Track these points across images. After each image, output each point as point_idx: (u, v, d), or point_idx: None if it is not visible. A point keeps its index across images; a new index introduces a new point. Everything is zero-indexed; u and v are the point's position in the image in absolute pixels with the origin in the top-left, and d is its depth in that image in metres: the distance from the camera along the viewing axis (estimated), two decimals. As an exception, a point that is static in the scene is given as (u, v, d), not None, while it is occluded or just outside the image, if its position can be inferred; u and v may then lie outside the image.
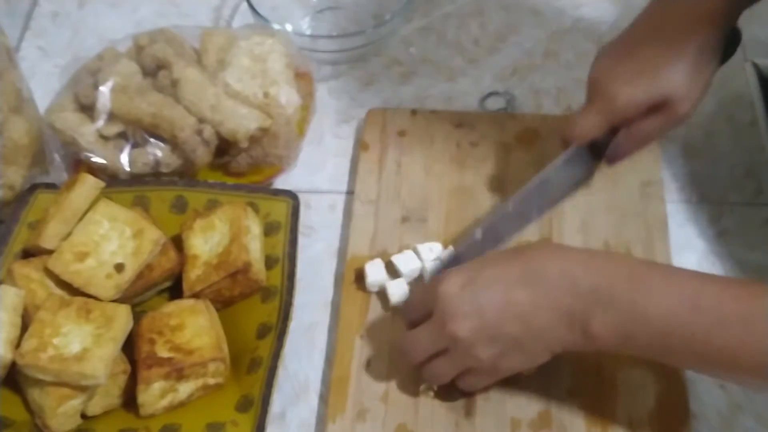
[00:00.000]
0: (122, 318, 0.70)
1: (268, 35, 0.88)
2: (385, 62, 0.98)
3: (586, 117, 0.76)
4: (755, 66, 0.85)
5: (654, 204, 0.83)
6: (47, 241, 0.75)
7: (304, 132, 0.87)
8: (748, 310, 0.60)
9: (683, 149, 0.89)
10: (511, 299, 0.64)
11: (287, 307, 0.74)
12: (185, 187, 0.82)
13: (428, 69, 0.97)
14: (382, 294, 0.78)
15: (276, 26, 0.92)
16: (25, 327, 0.70)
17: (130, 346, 0.71)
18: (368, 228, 0.83)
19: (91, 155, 0.82)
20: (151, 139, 0.82)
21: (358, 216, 0.83)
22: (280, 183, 0.86)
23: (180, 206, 0.81)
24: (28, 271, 0.74)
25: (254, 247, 0.76)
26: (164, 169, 0.83)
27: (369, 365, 0.74)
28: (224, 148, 0.84)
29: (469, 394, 0.72)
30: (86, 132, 0.82)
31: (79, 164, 0.83)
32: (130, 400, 0.71)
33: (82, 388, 0.68)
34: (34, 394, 0.69)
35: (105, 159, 0.82)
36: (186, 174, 0.84)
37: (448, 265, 0.75)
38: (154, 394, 0.69)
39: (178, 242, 0.78)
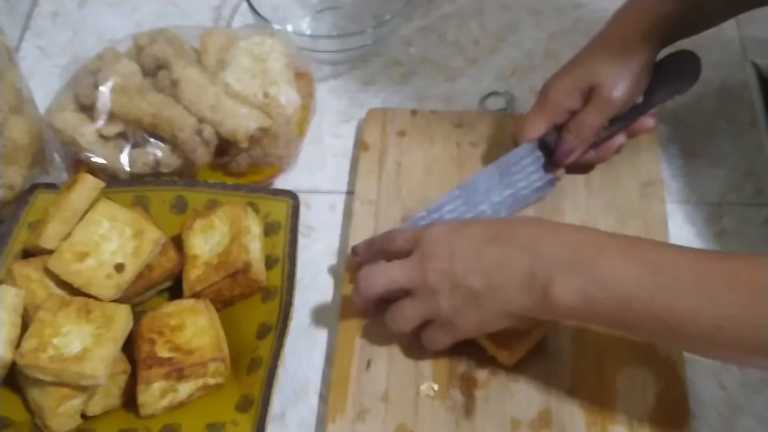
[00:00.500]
0: (122, 318, 0.70)
1: (268, 35, 0.88)
2: (385, 62, 0.98)
3: (528, 116, 0.82)
4: (755, 66, 0.85)
5: (654, 204, 0.83)
6: (47, 241, 0.75)
7: (304, 132, 0.87)
8: (706, 273, 0.62)
9: (683, 149, 0.89)
10: (479, 253, 0.67)
11: (287, 307, 0.74)
12: (185, 187, 0.82)
13: (428, 69, 0.97)
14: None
15: (276, 26, 0.93)
16: (25, 327, 0.70)
17: (130, 346, 0.71)
18: (368, 228, 0.83)
19: (91, 155, 0.82)
20: (151, 139, 0.82)
21: (358, 216, 0.83)
22: (280, 183, 0.86)
23: (180, 206, 0.81)
24: (28, 271, 0.74)
25: (254, 247, 0.76)
26: (164, 169, 0.83)
27: (369, 365, 0.74)
28: (224, 148, 0.84)
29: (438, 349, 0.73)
30: (86, 132, 0.82)
31: (79, 164, 0.83)
32: (130, 400, 0.71)
33: (82, 388, 0.68)
34: (34, 394, 0.69)
35: (105, 159, 0.82)
36: (186, 174, 0.84)
37: None
38: (154, 394, 0.69)
39: (178, 242, 0.78)
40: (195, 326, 0.72)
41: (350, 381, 0.73)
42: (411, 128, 0.89)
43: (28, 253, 0.77)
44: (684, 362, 0.73)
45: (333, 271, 0.82)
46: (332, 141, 0.91)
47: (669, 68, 0.82)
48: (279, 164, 0.86)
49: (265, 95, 0.84)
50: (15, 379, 0.70)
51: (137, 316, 0.73)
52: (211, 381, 0.71)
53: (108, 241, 0.74)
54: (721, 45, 0.95)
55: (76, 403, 0.69)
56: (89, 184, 0.77)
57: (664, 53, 0.81)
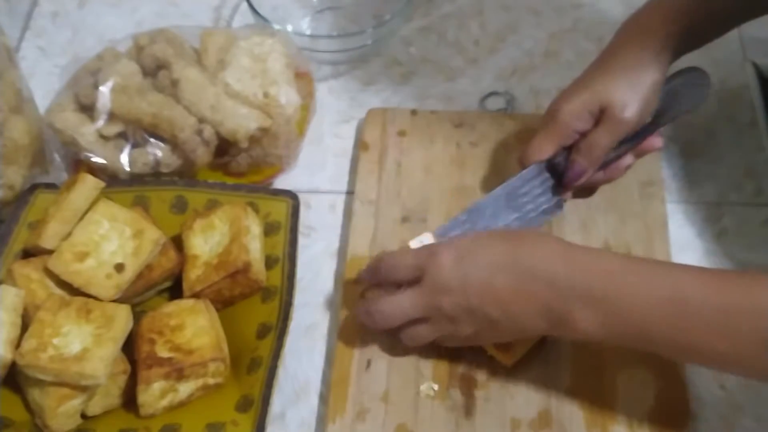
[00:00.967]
0: (122, 318, 0.70)
1: (268, 35, 0.88)
2: (385, 62, 0.98)
3: (535, 137, 0.80)
4: (755, 66, 0.85)
5: (654, 204, 0.83)
6: (47, 241, 0.75)
7: (304, 132, 0.87)
8: (726, 302, 0.61)
9: (683, 149, 0.89)
10: (493, 283, 0.67)
11: (287, 307, 0.74)
12: (185, 187, 0.82)
13: (428, 69, 0.97)
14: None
15: (276, 26, 0.92)
16: (25, 327, 0.70)
17: (130, 346, 0.71)
18: (368, 228, 0.83)
19: (91, 155, 0.82)
20: (151, 139, 0.82)
21: (358, 216, 0.83)
22: (280, 183, 0.86)
23: (180, 206, 0.81)
24: (28, 271, 0.74)
25: (254, 247, 0.76)
26: (164, 169, 0.83)
27: (369, 365, 0.74)
28: (224, 148, 0.84)
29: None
30: (86, 132, 0.82)
31: (79, 164, 0.83)
32: (130, 400, 0.71)
33: (82, 388, 0.68)
34: (34, 394, 0.69)
35: (105, 159, 0.82)
36: (186, 174, 0.84)
37: None
38: (154, 394, 0.69)
39: (178, 242, 0.78)
40: (195, 326, 0.72)
41: (350, 381, 0.73)
42: (411, 128, 0.89)
43: (28, 253, 0.77)
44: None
45: (333, 271, 0.82)
46: (332, 141, 0.91)
47: (678, 86, 0.81)
48: (279, 164, 0.86)
49: (265, 95, 0.84)
50: (15, 379, 0.70)
51: (137, 316, 0.73)
52: (211, 381, 0.71)
53: (108, 241, 0.74)
54: (721, 45, 0.95)
55: (76, 403, 0.69)
56: (89, 184, 0.77)
57: (672, 68, 0.81)
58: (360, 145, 0.89)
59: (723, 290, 0.62)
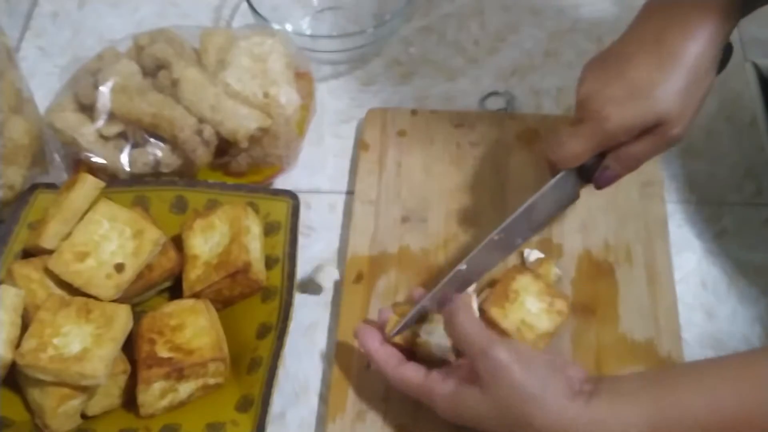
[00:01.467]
0: (122, 318, 0.70)
1: (268, 35, 0.88)
2: (385, 62, 0.98)
3: (574, 141, 0.71)
4: (755, 66, 0.85)
5: (654, 204, 0.83)
6: (47, 241, 0.75)
7: (304, 132, 0.87)
8: None
9: (683, 149, 0.89)
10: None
11: (287, 307, 0.74)
12: (185, 187, 0.82)
13: (428, 69, 0.97)
14: (382, 295, 0.78)
15: (276, 26, 0.92)
16: (25, 327, 0.70)
17: (130, 346, 0.71)
18: (368, 228, 0.83)
19: (91, 155, 0.82)
20: (151, 139, 0.82)
21: (358, 216, 0.83)
22: (280, 183, 0.86)
23: (180, 206, 0.81)
24: (28, 271, 0.74)
25: (254, 247, 0.76)
26: (164, 169, 0.83)
27: (369, 365, 0.74)
28: (224, 148, 0.84)
29: None
30: (86, 132, 0.82)
31: (79, 164, 0.83)
32: (130, 400, 0.71)
33: (82, 388, 0.68)
34: (34, 394, 0.69)
35: (105, 159, 0.82)
36: (186, 174, 0.84)
37: (431, 302, 0.72)
38: (154, 394, 0.69)
39: (178, 242, 0.78)
40: (195, 326, 0.72)
41: (350, 381, 0.73)
42: (411, 128, 0.89)
43: (28, 253, 0.77)
44: (684, 362, 0.73)
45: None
46: (332, 141, 0.91)
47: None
48: (279, 164, 0.86)
49: (265, 95, 0.84)
50: (15, 379, 0.70)
51: (137, 316, 0.73)
52: (211, 381, 0.71)
53: (108, 241, 0.74)
54: (721, 45, 0.95)
55: (76, 403, 0.69)
56: (89, 184, 0.77)
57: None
58: (360, 145, 0.89)
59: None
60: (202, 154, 0.82)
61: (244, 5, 0.95)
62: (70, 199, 0.76)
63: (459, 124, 0.89)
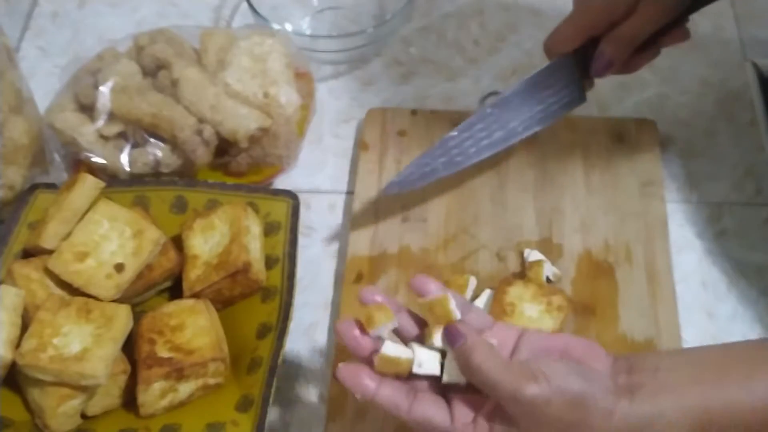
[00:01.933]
0: (122, 318, 0.70)
1: (268, 35, 0.88)
2: (385, 62, 0.98)
3: (564, 24, 0.76)
4: (755, 66, 0.85)
5: (654, 204, 0.83)
6: (47, 241, 0.75)
7: (304, 132, 0.87)
8: None
9: (683, 149, 0.89)
10: None
11: (287, 307, 0.74)
12: (185, 187, 0.82)
13: (428, 69, 0.97)
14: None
15: (276, 26, 0.93)
16: (25, 327, 0.70)
17: (130, 346, 0.71)
18: (368, 228, 0.83)
19: (91, 155, 0.82)
20: (151, 139, 0.82)
21: (358, 216, 0.83)
22: (280, 183, 0.86)
23: (180, 206, 0.81)
24: (28, 271, 0.74)
25: (254, 247, 0.76)
26: (164, 169, 0.83)
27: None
28: (224, 148, 0.84)
29: None
30: (86, 132, 0.82)
31: (79, 164, 0.83)
32: (130, 400, 0.71)
33: (82, 388, 0.68)
34: (34, 394, 0.69)
35: (105, 159, 0.82)
36: (186, 174, 0.84)
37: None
38: (154, 394, 0.69)
39: (178, 242, 0.78)
40: (195, 326, 0.72)
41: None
42: (411, 128, 0.89)
43: (28, 253, 0.77)
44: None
45: (333, 271, 0.82)
46: (332, 141, 0.91)
47: None
48: (279, 164, 0.86)
49: (265, 95, 0.84)
50: (15, 379, 0.70)
51: (137, 316, 0.73)
52: (211, 381, 0.71)
53: (108, 241, 0.74)
54: (721, 45, 0.95)
55: (76, 403, 0.69)
56: (89, 184, 0.77)
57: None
58: (360, 145, 0.89)
59: None
60: (202, 154, 0.82)
61: (244, 5, 0.95)
62: (70, 199, 0.76)
63: (459, 124, 0.89)
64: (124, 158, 0.82)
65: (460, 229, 0.82)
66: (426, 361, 0.60)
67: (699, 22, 0.81)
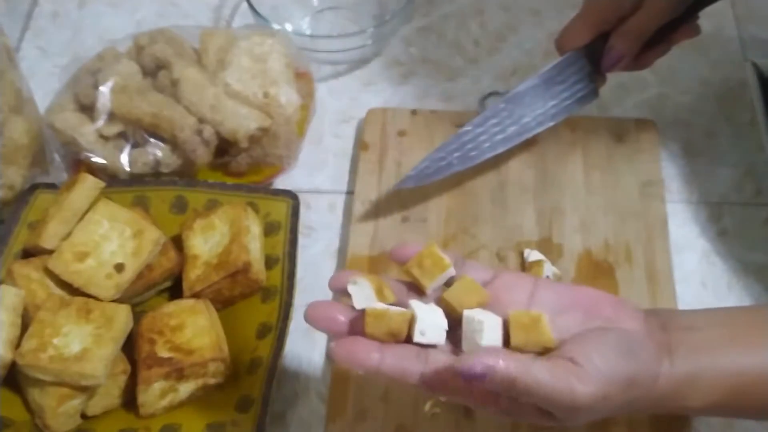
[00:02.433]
0: (122, 318, 0.70)
1: (268, 35, 0.88)
2: (385, 62, 0.98)
3: (574, 21, 0.79)
4: (755, 66, 0.85)
5: (654, 204, 0.83)
6: (47, 241, 0.75)
7: (304, 132, 0.87)
8: None
9: (683, 149, 0.89)
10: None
11: (287, 307, 0.74)
12: (185, 187, 0.82)
13: (428, 69, 0.97)
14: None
15: (276, 26, 0.93)
16: (25, 327, 0.70)
17: (130, 346, 0.71)
18: (368, 228, 0.83)
19: (91, 155, 0.82)
20: (151, 139, 0.82)
21: (358, 216, 0.83)
22: (280, 183, 0.86)
23: (180, 206, 0.81)
24: (28, 271, 0.74)
25: (254, 247, 0.76)
26: (164, 169, 0.83)
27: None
28: (224, 148, 0.84)
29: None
30: (86, 132, 0.82)
31: (79, 164, 0.83)
32: (130, 400, 0.71)
33: (82, 388, 0.68)
34: (34, 394, 0.69)
35: (105, 159, 0.82)
36: (186, 174, 0.84)
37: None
38: (154, 394, 0.69)
39: (178, 242, 0.78)
40: (195, 326, 0.72)
41: (350, 381, 0.73)
42: (411, 128, 0.89)
43: (28, 253, 0.77)
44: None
45: (333, 271, 0.82)
46: (332, 141, 0.91)
47: None
48: (279, 164, 0.86)
49: (265, 95, 0.84)
50: (15, 379, 0.70)
51: (137, 316, 0.73)
52: (211, 381, 0.71)
53: (108, 241, 0.74)
54: (721, 45, 0.95)
55: (76, 403, 0.69)
56: (89, 184, 0.77)
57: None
58: (360, 145, 0.89)
59: None
60: (202, 154, 0.82)
61: (244, 5, 0.95)
62: (70, 199, 0.76)
63: (459, 124, 0.89)
64: (124, 158, 0.82)
65: (460, 229, 0.82)
66: (429, 326, 0.55)
67: (699, 22, 0.81)
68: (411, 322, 0.56)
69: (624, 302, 0.59)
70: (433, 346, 0.56)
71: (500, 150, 0.82)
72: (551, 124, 0.82)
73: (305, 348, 0.78)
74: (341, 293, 0.58)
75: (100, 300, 0.72)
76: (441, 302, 0.58)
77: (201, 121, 0.82)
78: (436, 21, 1.01)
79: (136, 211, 0.77)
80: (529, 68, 0.96)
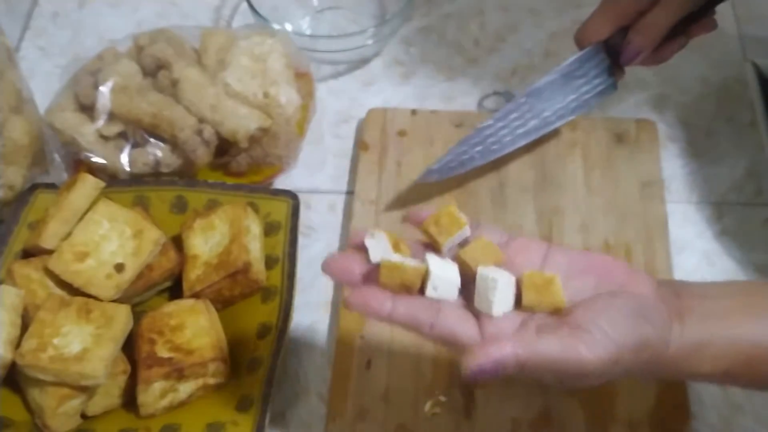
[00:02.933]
0: (122, 318, 0.70)
1: (268, 35, 0.88)
2: (385, 62, 0.98)
3: (593, 16, 0.80)
4: (755, 66, 0.85)
5: (654, 204, 0.83)
6: (47, 241, 0.75)
7: (304, 132, 0.87)
8: None
9: (683, 149, 0.89)
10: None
11: (287, 307, 0.74)
12: (185, 187, 0.82)
13: (428, 69, 0.97)
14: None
15: (276, 26, 0.92)
16: (25, 327, 0.70)
17: (130, 346, 0.71)
18: (368, 228, 0.82)
19: (91, 155, 0.82)
20: (151, 139, 0.82)
21: (358, 216, 0.83)
22: (280, 183, 0.86)
23: (180, 206, 0.81)
24: (28, 271, 0.74)
25: (254, 247, 0.76)
26: (164, 169, 0.83)
27: (369, 365, 0.74)
28: (224, 148, 0.84)
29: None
30: (86, 132, 0.82)
31: (79, 164, 0.83)
32: (130, 400, 0.71)
33: (82, 388, 0.68)
34: (34, 394, 0.69)
35: (105, 159, 0.82)
36: (186, 174, 0.84)
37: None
38: (154, 394, 0.69)
39: (178, 242, 0.78)
40: (195, 326, 0.72)
41: (350, 381, 0.73)
42: (411, 128, 0.89)
43: (28, 253, 0.77)
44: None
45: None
46: (332, 141, 0.91)
47: None
48: (279, 164, 0.86)
49: (265, 95, 0.84)
50: (15, 379, 0.70)
51: (137, 316, 0.73)
52: (211, 381, 0.71)
53: (108, 241, 0.74)
54: (721, 45, 0.95)
55: (76, 403, 0.69)
56: (89, 184, 0.77)
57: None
58: (360, 145, 0.89)
59: None
60: (202, 154, 0.82)
61: (244, 5, 0.95)
62: (70, 199, 0.76)
63: (459, 124, 0.89)
64: (124, 158, 0.82)
65: (460, 229, 0.82)
66: (442, 282, 0.56)
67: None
68: (424, 276, 0.56)
69: (637, 270, 0.59)
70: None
71: (521, 144, 0.83)
72: (571, 117, 0.83)
73: (305, 348, 0.78)
74: (359, 248, 0.58)
75: (100, 300, 0.72)
76: (456, 260, 0.58)
77: (201, 121, 0.82)
78: (436, 21, 1.01)
79: (136, 211, 0.77)
80: (528, 68, 0.96)
